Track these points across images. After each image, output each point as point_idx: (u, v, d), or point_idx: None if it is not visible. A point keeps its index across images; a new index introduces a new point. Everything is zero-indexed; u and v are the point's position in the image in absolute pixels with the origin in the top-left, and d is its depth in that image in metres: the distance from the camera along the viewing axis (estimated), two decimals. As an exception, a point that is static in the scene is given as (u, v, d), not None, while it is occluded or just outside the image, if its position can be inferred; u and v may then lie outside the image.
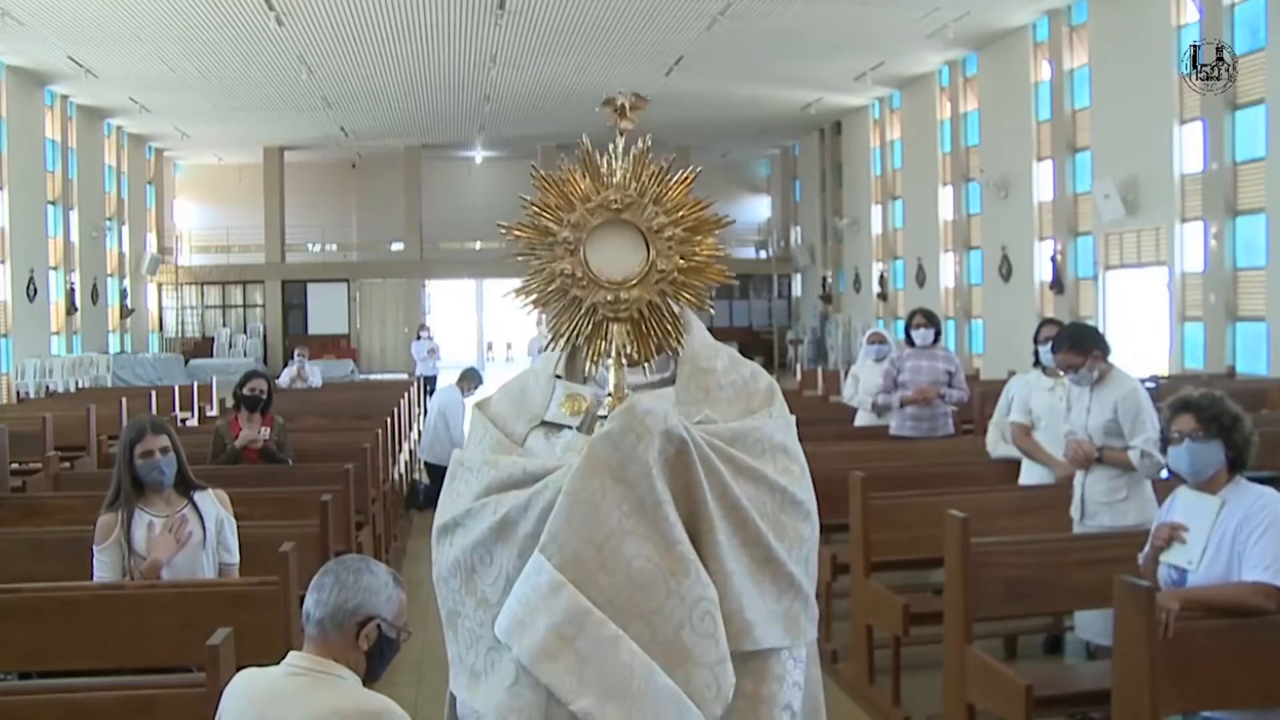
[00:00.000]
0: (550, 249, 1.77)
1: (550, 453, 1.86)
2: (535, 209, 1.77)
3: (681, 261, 1.79)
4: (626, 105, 1.79)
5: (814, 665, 1.92)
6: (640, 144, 1.80)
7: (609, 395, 1.78)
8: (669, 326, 1.80)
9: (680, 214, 1.78)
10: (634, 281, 1.77)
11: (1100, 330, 5.35)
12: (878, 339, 8.82)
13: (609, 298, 1.76)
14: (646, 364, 1.98)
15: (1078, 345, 5.06)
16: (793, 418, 1.99)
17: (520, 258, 1.78)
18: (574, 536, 1.65)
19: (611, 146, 1.77)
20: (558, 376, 1.99)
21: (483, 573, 1.80)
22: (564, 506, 1.66)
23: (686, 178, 1.80)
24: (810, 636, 1.86)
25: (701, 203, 1.80)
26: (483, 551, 1.79)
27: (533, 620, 1.64)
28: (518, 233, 1.79)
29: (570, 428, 1.92)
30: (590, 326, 1.78)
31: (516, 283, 1.80)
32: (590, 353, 1.79)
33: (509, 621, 1.67)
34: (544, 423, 1.94)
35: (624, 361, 1.79)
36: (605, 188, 1.76)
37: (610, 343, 1.77)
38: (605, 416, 1.75)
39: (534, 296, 1.78)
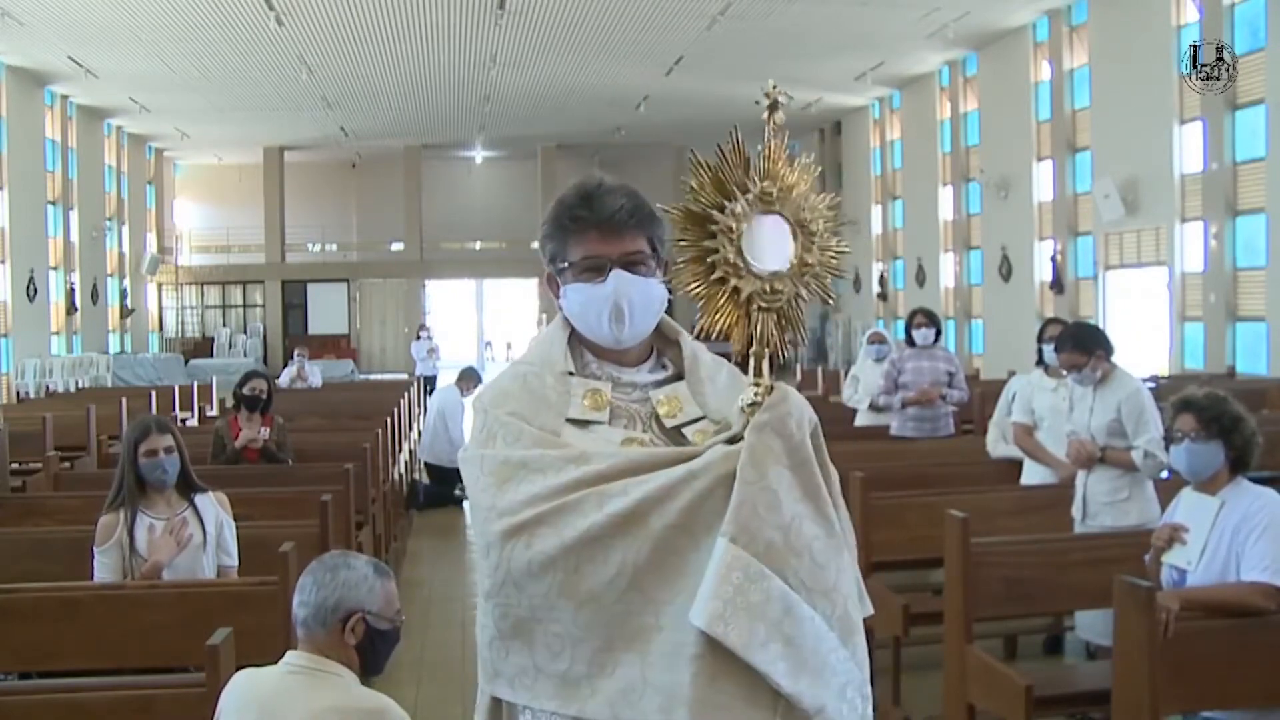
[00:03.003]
0: (713, 237, 1.79)
1: (593, 446, 1.86)
2: (697, 196, 1.80)
3: (821, 256, 1.84)
4: (780, 100, 1.82)
5: None
6: (779, 138, 1.84)
7: (755, 384, 1.80)
8: (802, 319, 1.86)
9: (819, 209, 1.85)
10: (784, 274, 1.82)
11: (1103, 330, 5.35)
12: (878, 339, 8.81)
13: (765, 288, 1.79)
14: (640, 361, 2.00)
15: (1081, 345, 5.06)
16: None
17: (681, 244, 1.81)
18: (764, 524, 1.68)
19: (765, 140, 1.81)
20: (569, 373, 1.98)
21: (591, 571, 1.74)
22: (748, 496, 1.69)
23: (813, 174, 1.87)
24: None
25: (830, 198, 1.86)
26: (596, 548, 1.74)
27: (738, 610, 1.66)
28: (677, 218, 1.82)
29: (599, 422, 1.92)
30: (742, 317, 1.81)
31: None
32: (740, 343, 1.83)
33: (709, 615, 1.66)
34: (576, 420, 1.93)
35: (767, 351, 1.83)
36: (759, 179, 1.81)
37: (759, 333, 1.82)
38: (757, 404, 1.77)
39: (695, 286, 1.80)
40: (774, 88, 1.81)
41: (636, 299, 1.92)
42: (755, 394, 1.79)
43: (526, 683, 1.82)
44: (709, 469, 1.73)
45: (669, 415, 1.94)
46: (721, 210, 1.79)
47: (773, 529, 1.69)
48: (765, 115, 1.81)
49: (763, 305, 1.80)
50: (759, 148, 1.82)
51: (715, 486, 1.72)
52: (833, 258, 1.86)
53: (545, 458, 1.83)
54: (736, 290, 1.79)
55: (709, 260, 1.78)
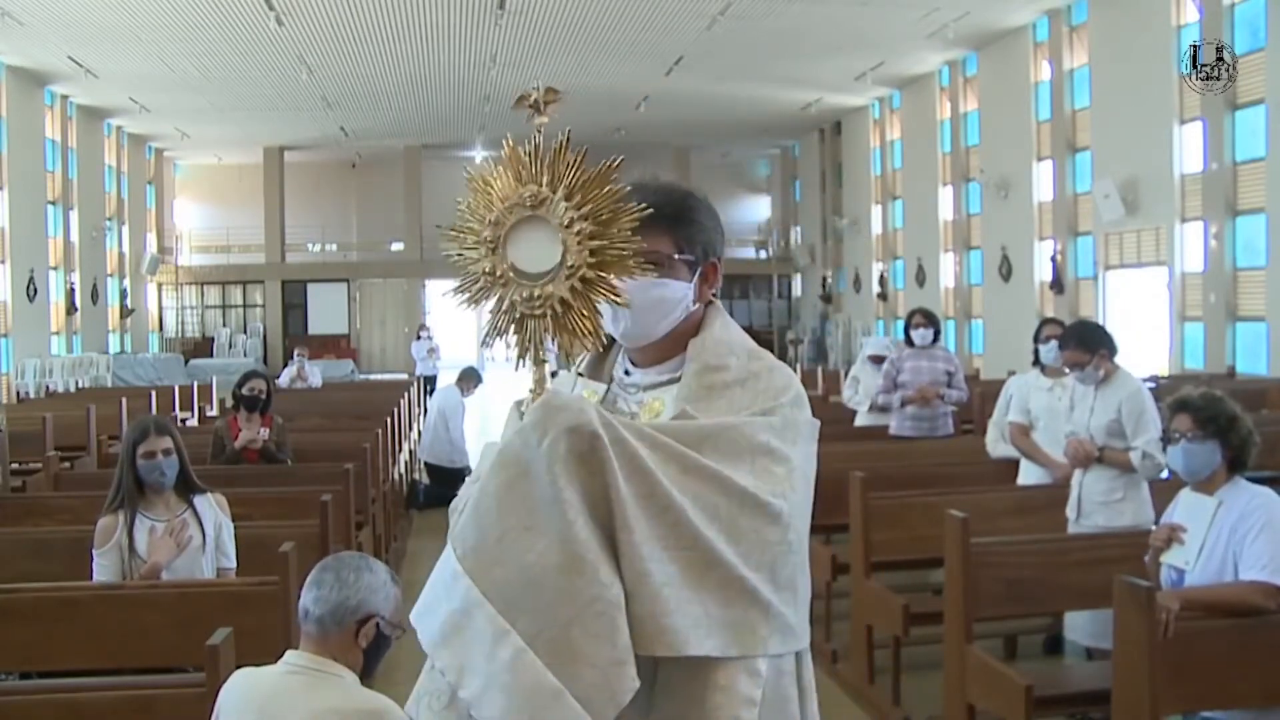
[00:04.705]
0: (475, 248, 1.82)
1: None
2: (463, 210, 1.84)
3: (591, 257, 1.78)
4: (541, 100, 1.80)
5: (785, 680, 1.81)
6: (559, 137, 1.81)
7: (531, 391, 1.81)
8: (586, 323, 1.80)
9: (590, 207, 1.79)
10: (548, 278, 1.79)
11: (1107, 330, 5.34)
12: (878, 360, 8.55)
13: (525, 295, 1.79)
14: (657, 363, 1.98)
15: (1085, 343, 5.06)
16: (810, 422, 1.89)
17: (453, 258, 1.85)
18: (476, 528, 1.67)
19: (527, 142, 1.79)
20: (579, 374, 2.01)
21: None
22: (474, 498, 1.70)
23: (608, 167, 1.80)
24: (774, 650, 1.75)
25: (615, 193, 1.79)
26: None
27: (436, 607, 1.68)
28: (451, 233, 1.86)
29: None
30: (512, 324, 1.81)
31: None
32: (518, 350, 1.82)
33: (420, 606, 1.72)
34: None
35: (544, 358, 1.83)
36: (525, 184, 1.80)
37: (531, 340, 1.82)
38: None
39: (467, 297, 1.84)
40: (535, 88, 1.80)
41: (635, 298, 1.89)
42: (528, 401, 1.79)
43: None
44: (484, 473, 1.76)
45: (647, 420, 1.92)
46: (483, 221, 1.81)
47: (483, 534, 1.66)
48: (529, 119, 1.80)
49: (526, 312, 1.79)
50: (528, 150, 1.81)
51: None
52: (613, 256, 1.79)
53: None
54: (500, 299, 1.80)
55: (472, 270, 1.82)
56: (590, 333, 1.80)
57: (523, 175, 1.80)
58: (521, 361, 1.83)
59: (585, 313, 1.79)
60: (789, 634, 1.77)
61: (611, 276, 1.79)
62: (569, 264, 1.78)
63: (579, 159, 1.80)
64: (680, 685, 1.71)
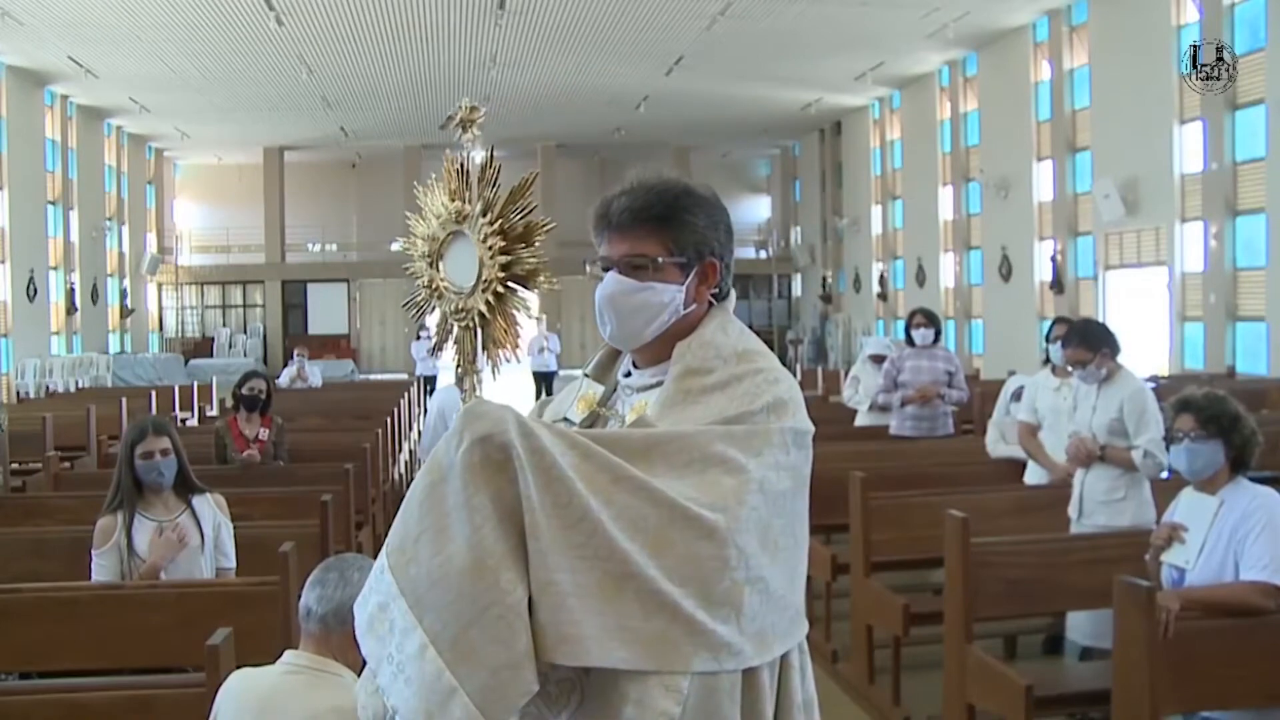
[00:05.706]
0: (418, 262, 1.95)
1: None
2: (410, 224, 1.98)
3: (501, 272, 1.88)
4: (465, 119, 1.92)
5: (719, 698, 1.72)
6: (484, 153, 1.92)
7: (462, 397, 1.90)
8: (500, 333, 1.90)
9: (502, 222, 1.88)
10: (471, 291, 1.91)
11: (1111, 329, 5.34)
12: (878, 360, 8.51)
13: (453, 307, 1.91)
14: (654, 364, 1.96)
15: (1087, 341, 5.07)
16: (788, 430, 1.82)
17: (409, 270, 1.97)
18: (402, 526, 1.72)
19: (460, 157, 1.89)
20: (586, 374, 2.02)
21: None
22: (406, 498, 1.75)
23: (522, 183, 1.89)
24: (701, 668, 1.68)
25: (524, 208, 1.87)
26: None
27: (369, 598, 1.76)
28: (406, 247, 1.99)
29: (574, 423, 1.95)
30: (447, 333, 1.93)
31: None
32: (456, 360, 1.93)
33: (359, 597, 1.79)
34: (565, 419, 1.97)
35: (473, 361, 1.92)
36: (454, 200, 1.92)
37: (461, 350, 1.93)
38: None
39: (417, 310, 1.97)
40: (461, 107, 1.88)
41: (618, 302, 1.88)
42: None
43: None
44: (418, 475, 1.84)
45: (632, 421, 1.90)
46: (423, 236, 1.93)
47: (404, 533, 1.71)
48: (459, 136, 1.89)
49: (456, 322, 1.90)
50: (457, 166, 1.91)
51: None
52: (523, 270, 1.86)
53: None
54: (435, 309, 1.92)
55: (418, 282, 1.93)
56: (503, 342, 1.89)
57: (453, 191, 1.90)
58: (460, 368, 1.92)
59: (504, 324, 1.88)
60: (724, 652, 1.70)
61: (521, 289, 1.89)
62: (484, 278, 1.88)
63: (494, 175, 1.88)
64: (598, 696, 1.69)
